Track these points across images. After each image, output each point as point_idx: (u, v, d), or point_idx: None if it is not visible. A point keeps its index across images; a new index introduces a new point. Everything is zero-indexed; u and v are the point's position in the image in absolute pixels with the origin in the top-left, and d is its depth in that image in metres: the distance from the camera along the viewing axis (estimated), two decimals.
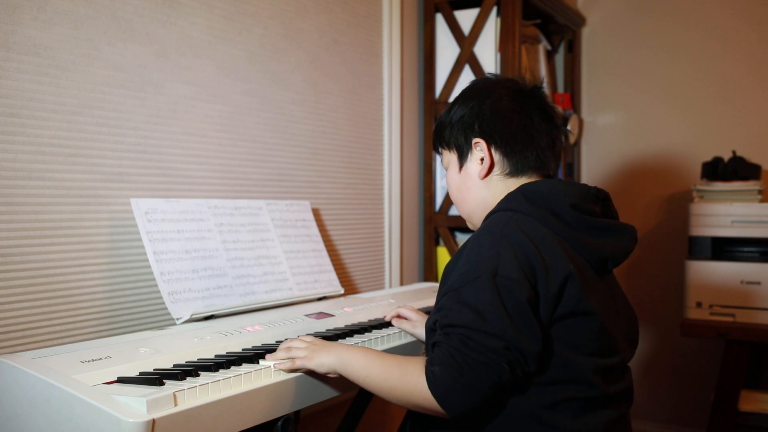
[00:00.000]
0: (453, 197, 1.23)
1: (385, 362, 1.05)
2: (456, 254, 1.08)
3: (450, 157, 1.22)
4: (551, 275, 0.99)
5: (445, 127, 1.22)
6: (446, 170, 1.24)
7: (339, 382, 1.19)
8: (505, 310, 0.95)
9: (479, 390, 0.94)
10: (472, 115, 1.17)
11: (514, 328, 0.95)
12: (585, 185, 1.12)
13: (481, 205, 1.17)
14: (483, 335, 0.94)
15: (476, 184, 1.17)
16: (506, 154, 1.15)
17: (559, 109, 2.82)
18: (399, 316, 1.44)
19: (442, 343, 0.98)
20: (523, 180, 1.15)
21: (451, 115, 1.21)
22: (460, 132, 1.18)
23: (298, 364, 1.11)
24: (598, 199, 1.12)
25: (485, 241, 1.03)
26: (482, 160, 1.16)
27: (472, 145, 1.16)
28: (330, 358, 1.10)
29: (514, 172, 1.15)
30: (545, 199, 1.07)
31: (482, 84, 1.22)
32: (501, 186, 1.15)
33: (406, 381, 1.00)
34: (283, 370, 1.11)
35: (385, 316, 1.47)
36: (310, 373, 1.13)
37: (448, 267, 1.08)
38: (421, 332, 1.38)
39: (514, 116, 1.14)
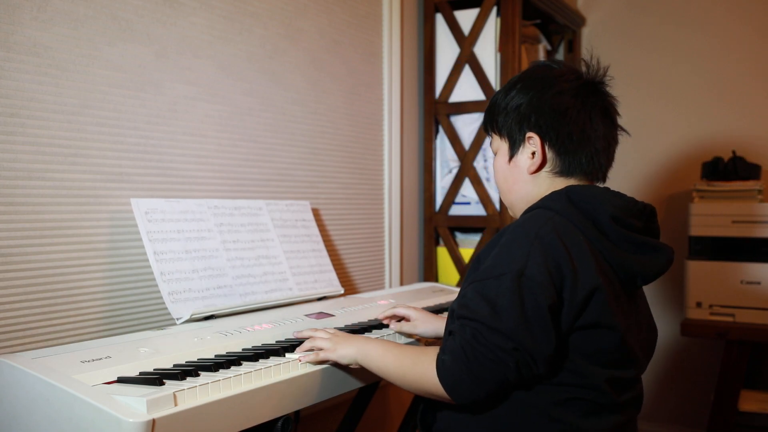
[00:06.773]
0: (498, 185, 1.20)
1: (399, 352, 1.11)
2: (491, 242, 1.06)
3: (500, 144, 1.18)
4: (579, 283, 0.98)
5: (499, 111, 1.16)
6: (494, 154, 1.20)
7: (340, 379, 1.20)
8: (522, 311, 0.96)
9: (485, 384, 0.97)
10: (530, 107, 1.11)
11: (526, 331, 0.95)
12: (633, 199, 1.10)
13: (525, 199, 1.15)
14: (494, 333, 0.96)
15: (523, 178, 1.14)
16: (559, 153, 1.11)
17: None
18: (395, 316, 1.42)
19: (456, 333, 1.00)
20: (571, 181, 1.12)
21: (507, 100, 1.15)
22: (515, 122, 1.13)
23: (321, 356, 1.16)
24: (643, 214, 1.10)
25: (519, 238, 1.01)
26: (533, 154, 1.12)
27: (526, 139, 1.12)
28: (351, 350, 1.15)
29: (563, 172, 1.12)
30: (588, 205, 1.05)
31: (545, 72, 1.15)
32: (548, 183, 1.13)
33: (417, 368, 1.04)
34: (308, 362, 1.16)
35: (378, 317, 1.45)
36: (335, 365, 1.18)
37: (481, 254, 1.07)
38: (423, 330, 1.37)
39: (573, 115, 1.10)
